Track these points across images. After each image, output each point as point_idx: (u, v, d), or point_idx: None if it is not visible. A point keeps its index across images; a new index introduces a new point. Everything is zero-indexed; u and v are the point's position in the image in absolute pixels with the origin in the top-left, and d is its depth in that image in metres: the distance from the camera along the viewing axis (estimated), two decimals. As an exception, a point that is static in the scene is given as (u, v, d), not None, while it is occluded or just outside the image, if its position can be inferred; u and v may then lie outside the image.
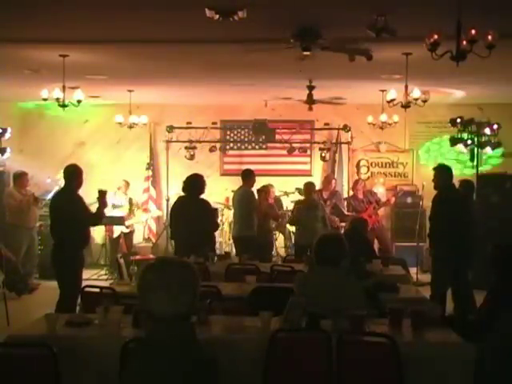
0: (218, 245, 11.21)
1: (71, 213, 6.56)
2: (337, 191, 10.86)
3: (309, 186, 9.35)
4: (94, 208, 7.08)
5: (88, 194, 11.19)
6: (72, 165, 6.99)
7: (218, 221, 11.27)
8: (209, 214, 7.77)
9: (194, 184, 7.71)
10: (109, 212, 11.10)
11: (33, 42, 7.00)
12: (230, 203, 11.12)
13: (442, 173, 7.24)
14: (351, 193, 11.04)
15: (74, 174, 6.77)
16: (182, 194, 7.93)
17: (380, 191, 11.52)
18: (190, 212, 7.51)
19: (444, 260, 6.98)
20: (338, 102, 10.23)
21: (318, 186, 10.84)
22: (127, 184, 11.34)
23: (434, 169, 7.38)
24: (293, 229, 10.11)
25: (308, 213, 9.00)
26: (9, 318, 7.36)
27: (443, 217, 6.98)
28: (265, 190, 9.89)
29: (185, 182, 7.87)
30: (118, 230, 11.12)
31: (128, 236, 11.24)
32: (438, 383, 3.83)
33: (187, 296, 2.62)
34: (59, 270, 6.58)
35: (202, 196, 7.81)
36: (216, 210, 7.93)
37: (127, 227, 11.16)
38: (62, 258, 6.54)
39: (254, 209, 9.13)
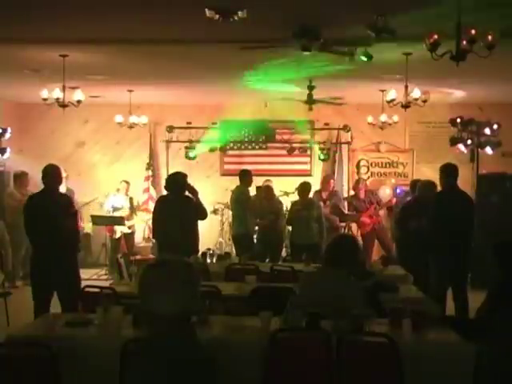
0: (217, 245, 11.25)
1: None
2: (336, 191, 10.86)
3: (304, 185, 9.35)
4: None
5: (88, 194, 11.34)
6: (47, 166, 6.60)
7: (220, 220, 11.36)
8: (194, 207, 7.59)
9: (177, 182, 7.59)
10: (109, 213, 11.17)
11: (33, 42, 7.00)
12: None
13: (447, 172, 7.23)
14: (352, 192, 11.04)
15: (46, 177, 6.44)
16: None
17: (387, 192, 11.51)
18: (176, 211, 7.41)
19: (442, 259, 6.98)
20: (338, 103, 10.22)
21: (317, 187, 10.85)
22: (127, 184, 11.33)
23: (440, 168, 7.37)
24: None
25: (303, 213, 9.00)
26: (9, 318, 7.36)
27: (444, 216, 6.97)
28: (267, 187, 9.91)
29: (167, 181, 7.82)
30: (119, 230, 11.11)
31: (129, 236, 11.22)
32: (438, 383, 3.83)
33: (188, 296, 2.62)
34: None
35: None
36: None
37: (129, 228, 11.15)
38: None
39: (247, 207, 9.15)
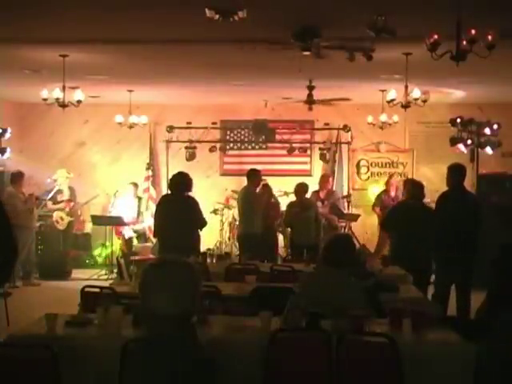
0: (217, 245, 11.25)
1: None
2: (334, 190, 10.90)
3: (300, 186, 9.34)
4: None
5: (88, 194, 11.35)
6: None
7: (220, 220, 11.35)
8: (195, 212, 7.63)
9: (180, 182, 7.61)
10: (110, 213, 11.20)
11: (33, 42, 7.00)
12: (230, 203, 11.15)
13: (455, 172, 7.22)
14: (383, 188, 11.01)
15: None
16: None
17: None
18: (178, 211, 7.42)
19: (447, 259, 6.97)
20: (338, 101, 10.21)
21: (317, 187, 10.85)
22: (136, 186, 11.36)
23: (448, 168, 7.37)
24: (291, 229, 10.14)
25: (301, 214, 9.01)
26: (9, 318, 7.36)
27: (449, 216, 6.96)
28: (267, 186, 9.92)
29: (170, 181, 7.85)
30: (127, 233, 11.11)
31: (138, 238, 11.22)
32: (438, 383, 3.83)
33: (189, 296, 2.62)
34: None
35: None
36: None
37: (135, 232, 11.14)
38: None
39: (256, 207, 9.14)
